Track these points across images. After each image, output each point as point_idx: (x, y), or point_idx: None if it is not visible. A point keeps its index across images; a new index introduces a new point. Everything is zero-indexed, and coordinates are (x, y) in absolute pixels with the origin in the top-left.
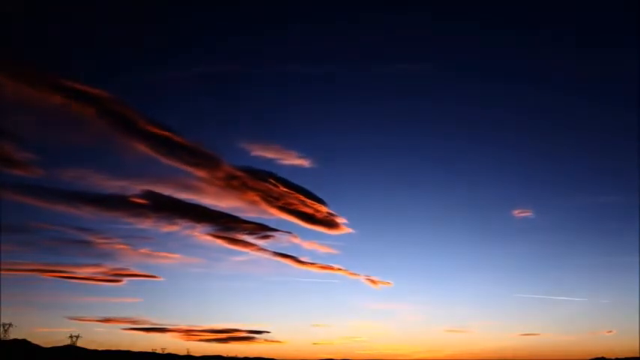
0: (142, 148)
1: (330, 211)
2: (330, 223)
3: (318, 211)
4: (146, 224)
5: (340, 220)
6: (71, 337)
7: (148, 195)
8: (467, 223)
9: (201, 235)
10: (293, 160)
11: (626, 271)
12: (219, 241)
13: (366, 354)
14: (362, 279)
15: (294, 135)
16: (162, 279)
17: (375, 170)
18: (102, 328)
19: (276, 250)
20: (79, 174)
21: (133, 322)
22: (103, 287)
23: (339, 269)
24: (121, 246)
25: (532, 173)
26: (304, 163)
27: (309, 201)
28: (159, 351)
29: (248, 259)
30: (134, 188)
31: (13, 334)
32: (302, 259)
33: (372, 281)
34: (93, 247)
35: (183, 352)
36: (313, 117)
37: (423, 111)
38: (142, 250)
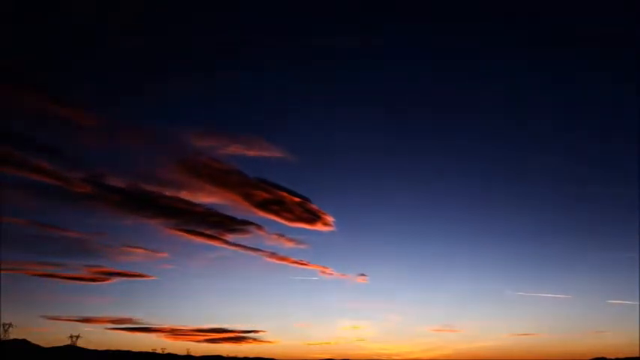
0: (87, 133)
1: (311, 206)
2: (310, 218)
3: (296, 205)
4: (105, 218)
5: (321, 215)
6: (71, 337)
7: (99, 185)
8: (456, 220)
9: (167, 228)
10: (272, 153)
11: (625, 268)
12: (188, 236)
13: (356, 354)
14: (346, 277)
15: (272, 127)
16: (133, 277)
17: (358, 164)
18: (82, 329)
19: (250, 245)
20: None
21: (113, 321)
22: (74, 285)
23: (322, 266)
24: (86, 242)
25: (523, 168)
26: (282, 156)
27: (285, 195)
28: (159, 351)
29: (222, 255)
30: (80, 178)
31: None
32: (280, 254)
33: (357, 279)
34: (54, 242)
35: (183, 352)
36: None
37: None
38: (108, 245)
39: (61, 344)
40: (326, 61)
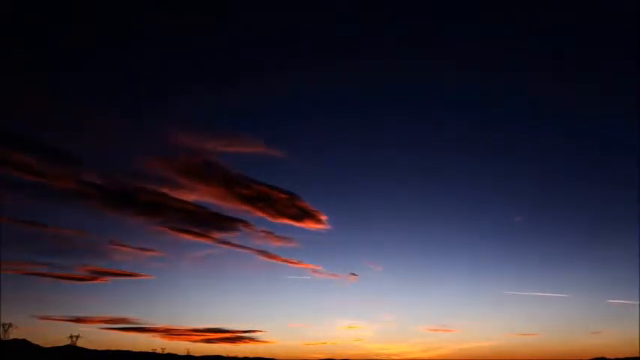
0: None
1: (300, 203)
2: (299, 215)
3: (284, 202)
4: (94, 216)
5: (313, 212)
6: (71, 337)
7: (88, 183)
8: (452, 218)
9: (155, 226)
10: (265, 150)
11: (625, 268)
12: (178, 234)
13: (354, 354)
14: (337, 276)
15: (265, 125)
16: (127, 277)
17: (353, 163)
18: (77, 329)
19: (239, 243)
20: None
21: (107, 321)
22: (68, 284)
23: (313, 265)
24: (76, 240)
25: (522, 168)
26: (277, 154)
27: (276, 193)
28: (159, 351)
29: (211, 253)
30: (68, 176)
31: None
32: (270, 253)
33: (351, 278)
34: (46, 240)
35: (182, 352)
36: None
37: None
38: (99, 244)
39: (61, 344)
40: (325, 57)
